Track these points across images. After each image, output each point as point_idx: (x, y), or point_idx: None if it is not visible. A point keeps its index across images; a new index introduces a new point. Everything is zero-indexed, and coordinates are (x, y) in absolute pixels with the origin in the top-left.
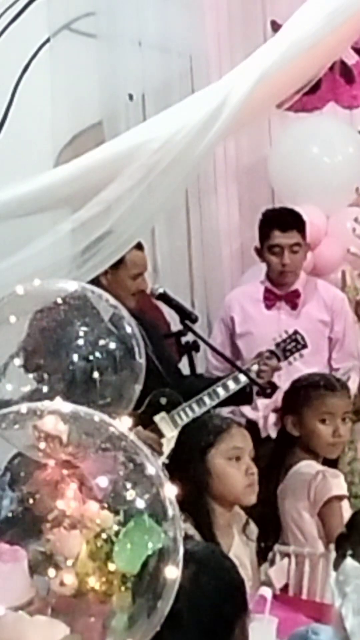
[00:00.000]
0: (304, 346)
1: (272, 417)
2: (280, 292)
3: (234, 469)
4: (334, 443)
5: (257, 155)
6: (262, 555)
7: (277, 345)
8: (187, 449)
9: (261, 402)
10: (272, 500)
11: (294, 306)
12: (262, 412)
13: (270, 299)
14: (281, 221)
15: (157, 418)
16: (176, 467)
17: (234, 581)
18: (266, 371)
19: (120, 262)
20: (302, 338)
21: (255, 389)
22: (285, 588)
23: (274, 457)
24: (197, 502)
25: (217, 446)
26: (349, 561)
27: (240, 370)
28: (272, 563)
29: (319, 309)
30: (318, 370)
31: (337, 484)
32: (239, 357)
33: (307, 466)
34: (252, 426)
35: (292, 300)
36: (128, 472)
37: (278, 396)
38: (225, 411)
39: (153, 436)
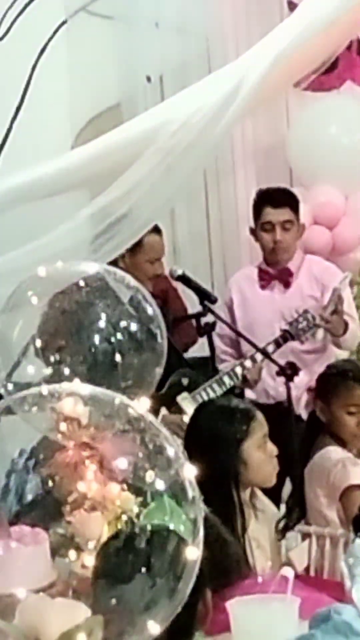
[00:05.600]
0: (316, 325)
1: (304, 398)
2: (274, 271)
3: (263, 456)
4: (358, 434)
5: (275, 136)
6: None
7: (290, 324)
8: (220, 440)
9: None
10: (299, 482)
11: (286, 285)
12: (295, 391)
13: (264, 279)
14: (273, 198)
15: (179, 398)
16: (200, 453)
17: None
18: (251, 371)
19: (138, 246)
20: (313, 317)
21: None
22: (306, 569)
23: (305, 439)
24: (219, 487)
25: (251, 437)
26: (357, 542)
27: (258, 349)
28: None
29: (310, 285)
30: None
31: (356, 473)
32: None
33: (331, 452)
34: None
35: (285, 278)
36: (148, 453)
37: (313, 376)
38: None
39: (178, 420)
